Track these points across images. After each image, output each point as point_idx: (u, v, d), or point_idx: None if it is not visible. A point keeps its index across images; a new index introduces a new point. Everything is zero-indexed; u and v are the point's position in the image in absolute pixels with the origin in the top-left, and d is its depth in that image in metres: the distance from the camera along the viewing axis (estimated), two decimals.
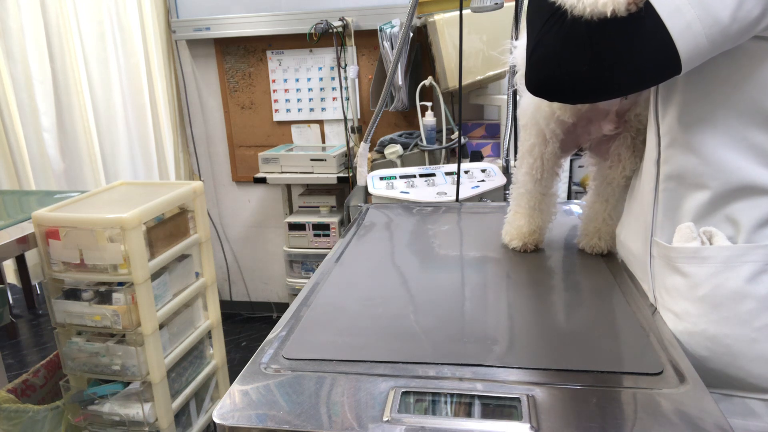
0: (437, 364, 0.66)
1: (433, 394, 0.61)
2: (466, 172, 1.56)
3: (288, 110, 2.76)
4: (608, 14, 0.58)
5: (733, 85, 0.64)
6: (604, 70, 0.62)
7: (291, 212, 2.66)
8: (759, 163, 0.65)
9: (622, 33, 0.60)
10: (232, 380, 0.69)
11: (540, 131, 0.93)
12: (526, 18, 0.70)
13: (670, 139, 0.71)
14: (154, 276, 1.54)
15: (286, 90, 2.73)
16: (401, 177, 1.55)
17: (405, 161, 2.16)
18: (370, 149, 2.13)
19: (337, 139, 2.76)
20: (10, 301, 3.13)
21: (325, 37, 2.53)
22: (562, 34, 0.62)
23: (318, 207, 2.60)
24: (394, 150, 2.15)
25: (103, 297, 1.49)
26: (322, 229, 2.50)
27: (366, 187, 1.53)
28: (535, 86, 0.68)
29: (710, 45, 0.59)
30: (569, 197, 2.22)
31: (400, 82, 2.29)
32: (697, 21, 0.58)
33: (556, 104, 0.87)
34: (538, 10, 0.66)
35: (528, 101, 0.94)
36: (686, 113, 0.68)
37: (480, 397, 0.60)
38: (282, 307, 3.08)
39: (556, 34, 0.63)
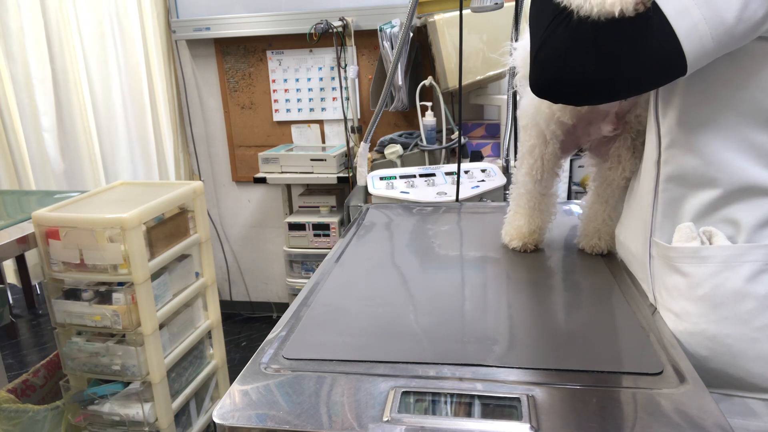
0: (437, 364, 0.66)
1: (433, 394, 0.61)
2: (466, 172, 1.56)
3: (288, 110, 2.76)
4: (616, 14, 0.58)
5: (736, 85, 0.64)
6: (610, 71, 0.62)
7: (291, 212, 2.66)
8: (760, 164, 0.65)
9: (628, 33, 0.60)
10: (232, 380, 0.69)
11: (540, 132, 0.93)
12: (529, 18, 0.70)
13: (671, 139, 0.71)
14: (154, 276, 1.54)
15: (286, 90, 2.73)
16: (401, 177, 1.55)
17: (405, 161, 2.16)
18: (370, 149, 2.13)
19: (337, 139, 2.76)
20: (10, 301, 3.13)
21: (325, 37, 2.53)
22: (568, 35, 0.62)
23: (318, 207, 2.60)
24: (394, 150, 2.15)
25: (103, 297, 1.49)
26: (322, 229, 2.50)
27: (366, 187, 1.53)
28: (540, 88, 0.68)
29: (716, 45, 0.59)
30: (569, 197, 2.22)
31: (400, 82, 2.29)
32: (703, 21, 0.58)
33: (556, 105, 0.87)
34: (542, 11, 0.66)
35: (528, 102, 0.94)
36: (687, 114, 0.68)
37: (480, 397, 0.60)
38: (282, 307, 3.08)
39: (561, 34, 0.63)
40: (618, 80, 0.63)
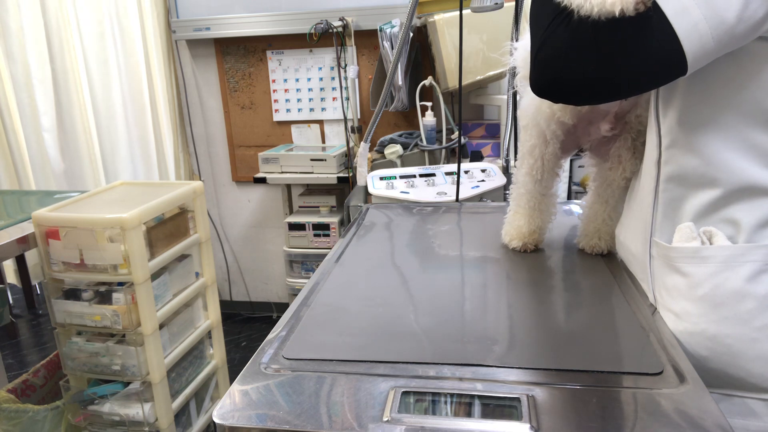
0: (437, 364, 0.66)
1: (433, 394, 0.61)
2: (466, 172, 1.56)
3: (288, 110, 2.76)
4: (616, 14, 0.58)
5: (736, 85, 0.64)
6: (610, 71, 0.62)
7: (291, 212, 2.66)
8: (761, 164, 0.65)
9: (629, 33, 0.60)
10: (232, 380, 0.69)
11: (540, 132, 0.93)
12: (529, 18, 0.70)
13: (671, 139, 0.71)
14: (154, 276, 1.54)
15: (286, 90, 2.73)
16: (401, 177, 1.55)
17: (405, 161, 2.16)
18: (370, 149, 2.13)
19: (337, 139, 2.76)
20: (10, 301, 3.13)
21: (325, 37, 2.53)
22: (569, 35, 0.62)
23: (318, 207, 2.60)
24: (394, 150, 2.15)
25: (103, 297, 1.49)
26: (322, 229, 2.50)
27: (366, 187, 1.53)
28: (541, 88, 0.68)
29: (716, 45, 0.59)
30: (569, 197, 2.22)
31: (400, 82, 2.29)
32: (704, 21, 0.58)
33: (556, 105, 0.87)
34: (542, 10, 0.66)
35: (529, 102, 0.94)
36: (688, 114, 0.68)
37: (480, 397, 0.60)
38: (282, 307, 3.08)
39: (562, 34, 0.63)
40: (618, 80, 0.63)
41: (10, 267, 2.87)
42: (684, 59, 0.60)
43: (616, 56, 0.61)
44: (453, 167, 1.58)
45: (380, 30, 2.28)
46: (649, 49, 0.60)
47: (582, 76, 0.63)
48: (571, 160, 2.21)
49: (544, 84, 0.67)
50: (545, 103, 0.88)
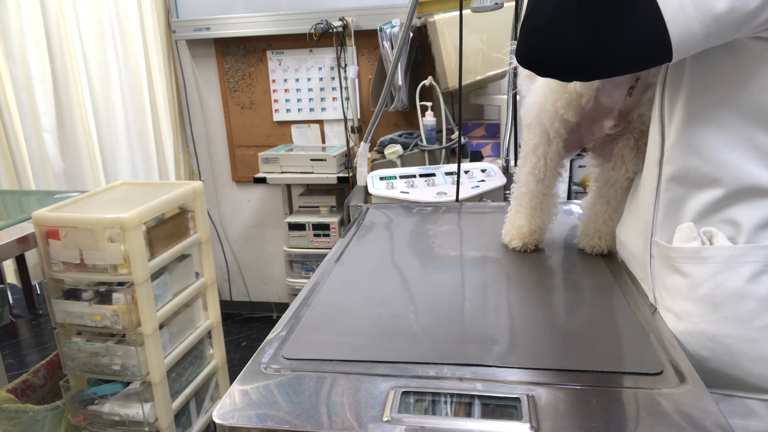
0: (437, 364, 0.66)
1: (433, 394, 0.61)
2: (466, 172, 1.56)
3: (288, 110, 2.76)
4: None
5: (738, 86, 0.64)
6: (594, 45, 0.61)
7: (291, 212, 2.66)
8: (762, 164, 0.65)
9: (614, 8, 0.59)
10: (232, 380, 0.69)
11: (544, 131, 0.93)
12: None
13: (673, 139, 0.70)
14: (154, 276, 1.54)
15: (286, 90, 2.73)
16: (401, 177, 1.55)
17: (405, 161, 2.16)
18: (370, 149, 2.13)
19: (337, 139, 2.76)
20: (10, 301, 3.13)
21: (325, 37, 2.53)
22: (556, 5, 0.62)
23: (318, 207, 2.60)
24: (394, 150, 2.15)
25: (103, 297, 1.49)
26: (322, 229, 2.50)
27: (366, 187, 1.53)
28: (525, 57, 0.67)
29: (703, 33, 0.58)
30: (569, 197, 2.22)
31: (400, 82, 2.29)
32: (692, 4, 0.57)
33: (560, 103, 0.86)
34: None
35: (532, 101, 0.93)
36: (690, 114, 0.68)
37: (480, 397, 0.60)
38: (282, 307, 3.08)
39: (549, 4, 0.62)
40: (601, 55, 0.62)
41: (10, 267, 2.87)
42: (668, 42, 0.59)
43: (599, 30, 0.60)
44: (453, 167, 1.58)
45: (380, 30, 2.28)
46: (633, 25, 0.59)
47: (565, 48, 0.62)
48: (572, 160, 2.21)
49: (528, 53, 0.66)
50: (549, 101, 0.88)
